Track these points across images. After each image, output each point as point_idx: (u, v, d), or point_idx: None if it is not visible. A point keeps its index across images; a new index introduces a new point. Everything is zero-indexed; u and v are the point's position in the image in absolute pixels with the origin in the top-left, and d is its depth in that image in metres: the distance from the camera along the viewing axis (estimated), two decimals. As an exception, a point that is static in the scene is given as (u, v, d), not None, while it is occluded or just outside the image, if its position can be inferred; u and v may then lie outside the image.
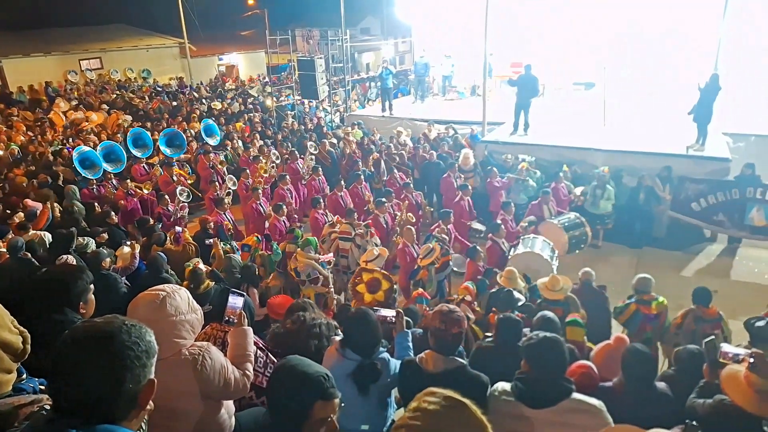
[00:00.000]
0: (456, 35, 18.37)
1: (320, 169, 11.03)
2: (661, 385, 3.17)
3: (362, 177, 10.25)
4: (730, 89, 11.60)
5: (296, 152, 12.01)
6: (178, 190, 9.80)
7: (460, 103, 17.63)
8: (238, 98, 20.98)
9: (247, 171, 10.70)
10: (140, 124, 15.23)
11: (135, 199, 9.62)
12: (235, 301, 2.86)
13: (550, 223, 8.51)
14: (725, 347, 2.86)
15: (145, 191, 10.03)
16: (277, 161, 11.89)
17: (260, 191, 9.45)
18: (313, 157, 12.23)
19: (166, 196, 9.33)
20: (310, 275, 6.34)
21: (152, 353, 1.43)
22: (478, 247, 7.17)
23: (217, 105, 18.83)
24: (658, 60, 15.80)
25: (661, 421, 2.88)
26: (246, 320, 2.88)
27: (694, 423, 2.73)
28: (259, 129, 15.05)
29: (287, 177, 10.23)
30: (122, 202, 9.35)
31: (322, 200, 9.13)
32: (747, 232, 9.21)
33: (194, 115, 16.90)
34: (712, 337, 3.12)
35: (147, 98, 20.91)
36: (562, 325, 5.24)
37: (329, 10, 21.19)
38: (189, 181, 10.93)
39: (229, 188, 10.31)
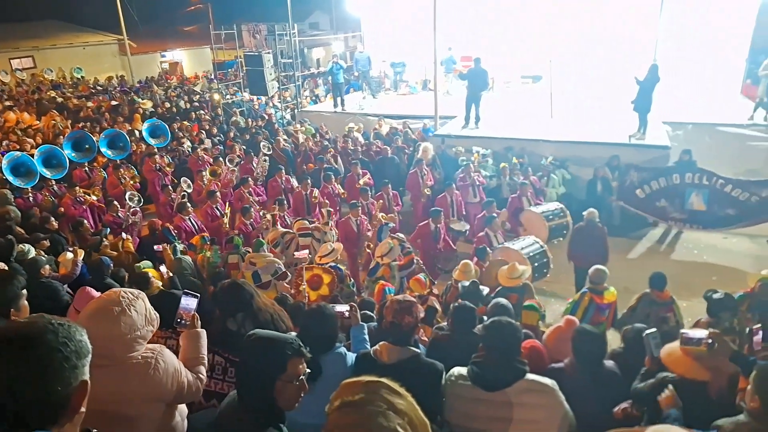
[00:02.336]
0: (406, 29, 18.41)
1: (283, 169, 10.70)
2: (609, 363, 3.26)
3: (332, 176, 10.07)
4: (668, 80, 12.15)
5: (252, 153, 11.69)
6: (128, 195, 9.21)
7: (413, 97, 17.75)
8: (184, 96, 20.37)
9: (202, 173, 10.27)
10: (81, 125, 14.53)
11: (84, 207, 9.05)
12: (188, 303, 2.76)
13: (531, 212, 8.75)
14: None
15: (94, 197, 9.46)
16: (231, 165, 11.47)
17: (218, 195, 9.12)
18: (267, 157, 11.93)
19: (116, 202, 8.77)
20: (276, 272, 6.06)
21: (84, 353, 1.32)
22: (488, 249, 7.08)
23: (147, 104, 18.13)
24: (601, 53, 16.33)
25: (611, 399, 2.98)
26: (199, 322, 2.78)
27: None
28: (207, 128, 14.62)
29: (249, 180, 9.95)
30: (62, 209, 8.80)
31: (286, 202, 8.95)
32: (687, 222, 9.56)
33: (137, 114, 16.29)
34: (654, 330, 3.18)
35: (84, 98, 20.01)
36: (517, 310, 5.41)
37: (276, 4, 20.83)
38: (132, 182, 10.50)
39: (185, 191, 9.68)
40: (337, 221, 8.69)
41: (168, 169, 11.00)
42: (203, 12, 31.91)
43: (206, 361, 2.70)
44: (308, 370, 1.98)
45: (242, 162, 11.38)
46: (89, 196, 9.38)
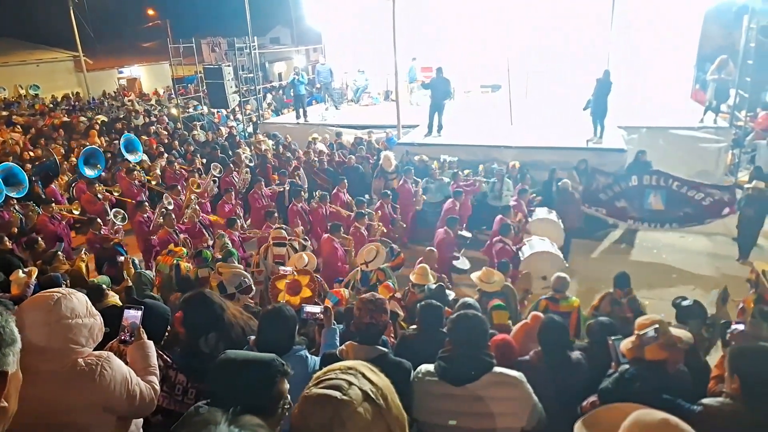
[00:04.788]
0: (366, 41, 18.51)
1: (263, 181, 10.33)
2: (575, 353, 3.29)
3: (327, 196, 9.61)
4: (622, 87, 12.58)
5: (231, 165, 11.37)
6: (112, 213, 8.81)
7: (375, 108, 17.86)
8: (142, 111, 20.00)
9: (178, 188, 9.95)
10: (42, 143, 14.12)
11: (63, 223, 8.75)
12: (131, 316, 2.61)
13: (543, 219, 8.75)
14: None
15: (76, 212, 9.19)
16: (219, 175, 11.07)
17: (198, 207, 8.87)
18: (249, 169, 11.70)
19: (98, 220, 8.31)
20: (240, 285, 5.93)
21: (6, 342, 1.22)
22: (510, 264, 6.88)
23: (102, 118, 17.74)
24: (556, 63, 16.78)
25: (577, 388, 2.99)
26: (145, 334, 2.64)
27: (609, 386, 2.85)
28: (165, 142, 14.31)
29: (232, 191, 9.70)
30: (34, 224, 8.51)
31: (277, 213, 8.70)
32: (647, 220, 9.80)
33: (93, 130, 15.85)
34: (619, 336, 3.24)
35: (40, 115, 19.42)
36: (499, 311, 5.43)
37: (235, 19, 20.65)
38: (116, 193, 10.10)
39: (165, 208, 8.97)
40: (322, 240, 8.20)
41: (151, 184, 10.73)
42: (162, 28, 31.42)
43: (158, 372, 2.58)
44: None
45: (223, 174, 11.08)
46: (70, 212, 9.14)
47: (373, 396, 1.30)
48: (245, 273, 5.99)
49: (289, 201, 10.43)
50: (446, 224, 8.21)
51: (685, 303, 4.77)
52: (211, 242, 8.12)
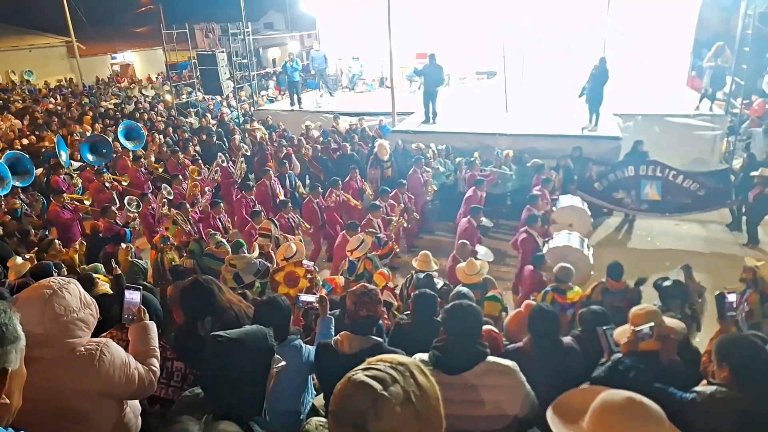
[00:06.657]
0: (361, 26, 18.32)
1: (270, 171, 9.95)
2: (567, 339, 3.30)
3: (340, 182, 9.41)
4: (618, 74, 12.51)
5: (224, 155, 11.13)
6: (126, 200, 8.76)
7: (370, 95, 17.75)
8: (134, 98, 19.82)
9: (180, 177, 9.81)
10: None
11: (79, 214, 8.65)
12: (132, 296, 2.63)
13: (573, 207, 8.68)
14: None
15: (87, 203, 9.06)
16: (224, 164, 10.84)
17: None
18: (244, 159, 11.54)
19: (113, 208, 8.24)
20: (258, 271, 5.89)
21: (8, 339, 1.23)
22: (545, 257, 6.53)
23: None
24: (552, 49, 16.68)
25: (570, 373, 3.01)
26: (146, 315, 2.67)
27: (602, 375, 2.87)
28: (160, 128, 14.19)
29: (253, 187, 9.43)
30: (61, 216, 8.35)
31: (290, 204, 8.44)
32: (645, 209, 9.78)
33: (87, 116, 15.72)
34: (611, 326, 3.25)
35: (34, 101, 19.24)
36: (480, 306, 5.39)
37: (229, 5, 20.41)
38: (124, 183, 10.02)
39: (165, 198, 8.91)
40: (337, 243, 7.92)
41: (158, 172, 10.64)
42: (154, 13, 31.08)
43: (158, 354, 2.60)
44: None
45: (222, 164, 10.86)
46: (81, 202, 9.01)
47: (413, 399, 1.29)
48: (258, 260, 6.03)
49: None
50: (470, 213, 7.96)
51: (666, 284, 4.86)
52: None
